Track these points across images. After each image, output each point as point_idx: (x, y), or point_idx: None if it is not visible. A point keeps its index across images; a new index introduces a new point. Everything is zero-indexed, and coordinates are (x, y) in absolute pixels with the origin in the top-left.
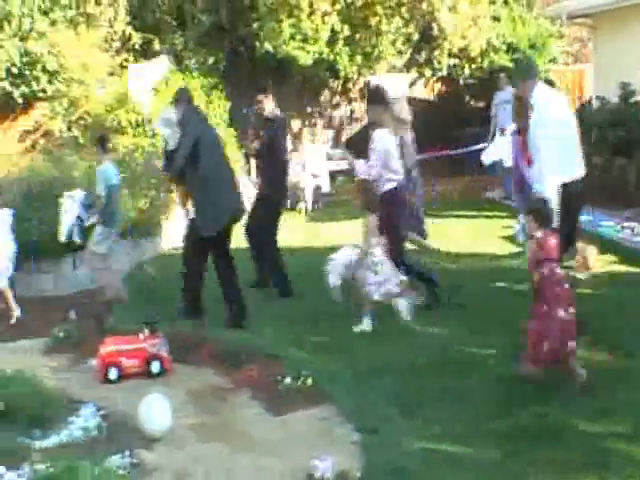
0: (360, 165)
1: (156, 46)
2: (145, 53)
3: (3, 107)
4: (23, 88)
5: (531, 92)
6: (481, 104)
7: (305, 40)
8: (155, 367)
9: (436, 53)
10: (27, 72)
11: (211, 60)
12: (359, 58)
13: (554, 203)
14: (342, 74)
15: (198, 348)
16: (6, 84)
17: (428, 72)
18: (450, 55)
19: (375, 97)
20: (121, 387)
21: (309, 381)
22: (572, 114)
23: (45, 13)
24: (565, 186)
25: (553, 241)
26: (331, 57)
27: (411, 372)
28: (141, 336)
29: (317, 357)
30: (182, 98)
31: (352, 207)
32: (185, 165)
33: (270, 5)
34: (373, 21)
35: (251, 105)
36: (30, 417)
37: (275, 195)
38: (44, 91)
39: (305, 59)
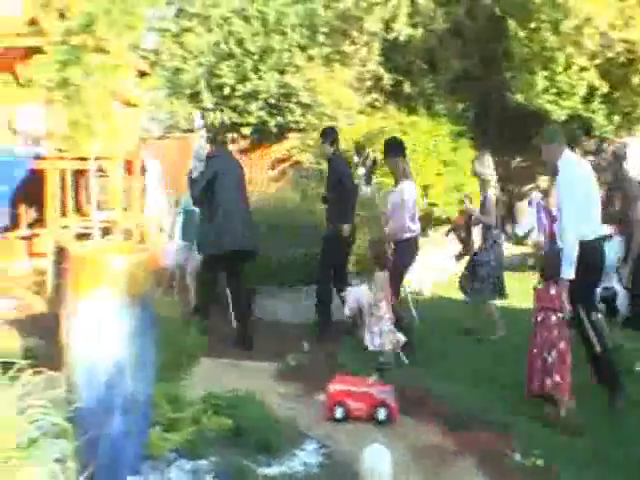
0: None
1: (406, 88)
2: (395, 94)
3: (259, 135)
4: (278, 119)
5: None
6: None
7: (559, 94)
8: (381, 414)
9: None
10: (283, 104)
11: (460, 107)
12: (617, 117)
13: (572, 257)
14: (597, 133)
15: (422, 402)
16: (263, 114)
17: None
18: None
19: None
20: (345, 428)
21: (539, 462)
22: (593, 175)
23: (303, 49)
24: None
25: (552, 291)
26: (586, 114)
27: None
28: (370, 380)
29: (547, 432)
30: (216, 139)
31: None
32: (204, 193)
33: (525, 55)
34: (635, 79)
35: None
36: (257, 442)
37: None
38: (297, 123)
39: (558, 114)
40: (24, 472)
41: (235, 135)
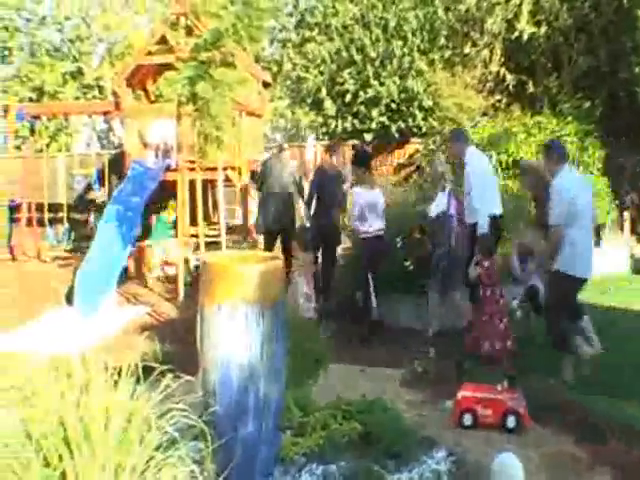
0: None
1: (530, 88)
2: (519, 95)
3: (381, 140)
4: (400, 123)
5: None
6: None
7: None
8: (511, 422)
9: None
10: (404, 108)
11: (586, 105)
12: None
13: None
14: None
15: (553, 410)
16: (385, 119)
17: None
18: None
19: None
20: (474, 435)
21: None
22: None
23: (424, 53)
24: None
25: (493, 268)
26: None
27: None
28: (499, 388)
29: None
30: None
31: None
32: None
33: None
34: None
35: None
36: (386, 447)
37: None
38: (419, 127)
39: None
40: (165, 472)
41: (357, 142)
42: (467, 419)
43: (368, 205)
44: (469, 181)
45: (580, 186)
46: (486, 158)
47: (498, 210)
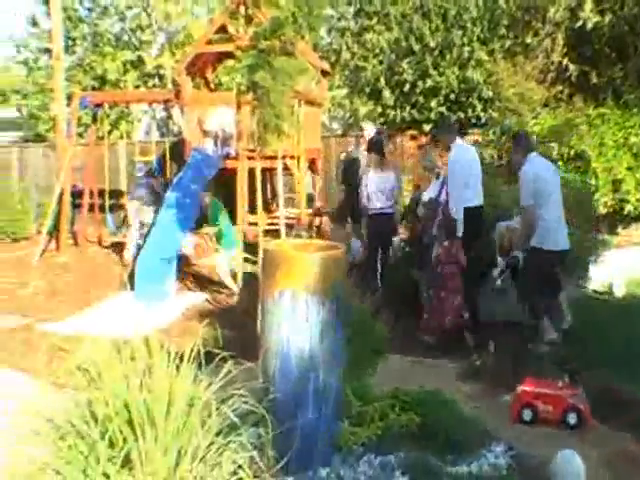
0: None
1: (593, 79)
2: (581, 86)
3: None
4: (459, 114)
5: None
6: None
7: None
8: (572, 419)
9: None
10: (463, 99)
11: None
12: None
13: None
14: None
15: (615, 407)
16: (444, 109)
17: None
18: None
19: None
20: (534, 431)
21: None
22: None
23: (484, 43)
24: None
25: (454, 249)
26: None
27: None
28: (560, 383)
29: None
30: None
31: None
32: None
33: None
34: None
35: None
36: (444, 440)
37: None
38: (478, 118)
39: None
40: (226, 457)
41: (415, 132)
42: (527, 414)
43: (377, 187)
44: (450, 169)
45: (544, 168)
46: (472, 150)
47: (477, 201)
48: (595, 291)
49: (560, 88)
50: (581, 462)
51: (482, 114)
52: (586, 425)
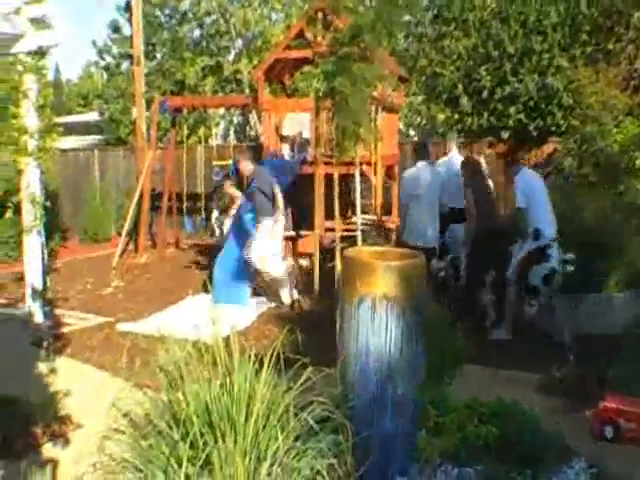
0: None
1: None
2: None
3: (518, 139)
4: (538, 121)
5: None
6: None
7: None
8: None
9: None
10: (543, 106)
11: None
12: None
13: None
14: None
15: None
16: (522, 116)
17: None
18: None
19: None
20: (614, 449)
21: None
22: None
23: (564, 49)
24: None
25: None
26: None
27: None
28: None
29: None
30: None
31: None
32: None
33: None
34: None
35: None
36: (523, 453)
37: None
38: (558, 126)
39: None
40: (304, 462)
41: (493, 139)
42: (609, 431)
43: None
44: None
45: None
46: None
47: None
48: None
49: None
50: None
51: (562, 122)
52: None
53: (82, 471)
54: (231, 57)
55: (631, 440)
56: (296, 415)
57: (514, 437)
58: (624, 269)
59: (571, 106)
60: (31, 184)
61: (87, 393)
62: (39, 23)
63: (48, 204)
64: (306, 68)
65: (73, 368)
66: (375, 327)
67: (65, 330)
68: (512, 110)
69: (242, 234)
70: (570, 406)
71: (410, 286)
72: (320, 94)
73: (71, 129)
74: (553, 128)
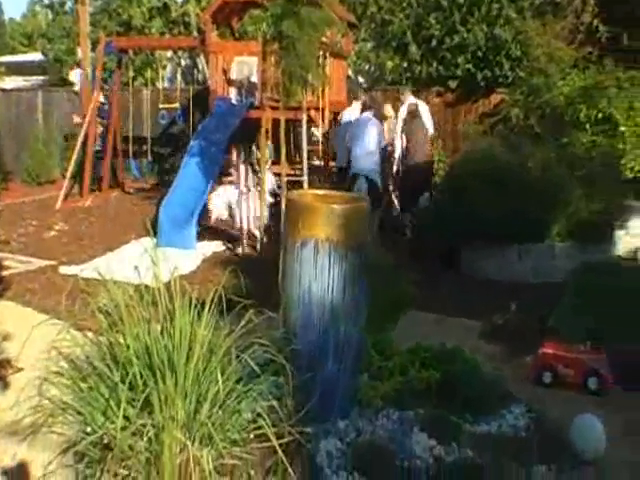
0: None
1: (624, 41)
2: (612, 48)
3: (466, 89)
4: (486, 72)
5: None
6: None
7: None
8: (592, 383)
9: None
10: (491, 57)
11: None
12: None
13: None
14: None
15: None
16: (471, 66)
17: None
18: None
19: None
20: (553, 394)
21: None
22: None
23: (513, 0)
24: None
25: None
26: None
27: None
28: (582, 347)
29: None
30: None
31: None
32: None
33: None
34: None
35: None
36: (464, 398)
37: None
38: (505, 77)
39: None
40: (245, 404)
41: (441, 88)
42: (547, 377)
43: None
44: None
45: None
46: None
47: None
48: (620, 256)
49: (590, 49)
50: (601, 427)
51: (509, 73)
52: (607, 391)
53: (22, 414)
54: None
55: (568, 386)
56: (237, 357)
57: (455, 382)
58: (567, 219)
59: (519, 57)
60: None
61: (27, 336)
62: None
63: None
64: (254, 11)
65: (13, 311)
66: (318, 270)
67: (6, 273)
68: (461, 60)
69: (190, 177)
70: (511, 352)
71: (353, 230)
72: (268, 38)
73: (14, 69)
74: (501, 79)
